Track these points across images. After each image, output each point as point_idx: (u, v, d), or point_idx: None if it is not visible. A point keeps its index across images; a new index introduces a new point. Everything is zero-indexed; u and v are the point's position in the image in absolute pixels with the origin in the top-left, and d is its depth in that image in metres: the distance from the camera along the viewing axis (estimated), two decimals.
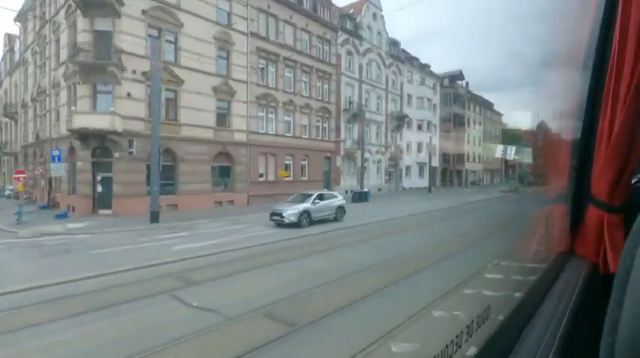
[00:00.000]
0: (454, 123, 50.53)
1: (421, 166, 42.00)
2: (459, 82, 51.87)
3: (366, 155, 32.79)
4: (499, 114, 69.87)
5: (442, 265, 7.89)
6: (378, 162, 34.73)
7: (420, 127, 40.90)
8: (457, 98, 50.73)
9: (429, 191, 36.74)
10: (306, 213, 14.28)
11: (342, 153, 30.24)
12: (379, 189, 34.37)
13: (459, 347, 1.10)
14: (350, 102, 31.02)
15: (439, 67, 57.90)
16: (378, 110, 34.89)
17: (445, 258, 8.55)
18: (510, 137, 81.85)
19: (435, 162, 45.12)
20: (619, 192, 1.23)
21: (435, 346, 1.07)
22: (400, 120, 36.85)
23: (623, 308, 0.57)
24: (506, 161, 58.81)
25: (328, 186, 28.82)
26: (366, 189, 26.80)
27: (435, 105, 44.87)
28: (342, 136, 30.28)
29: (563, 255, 1.51)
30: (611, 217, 1.27)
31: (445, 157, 47.12)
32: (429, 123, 42.35)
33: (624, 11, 1.09)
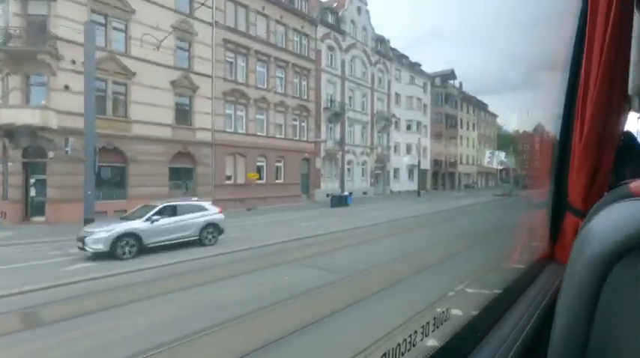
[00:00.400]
0: (446, 124, 48.77)
1: (411, 169, 40.14)
2: (451, 82, 50.20)
3: (350, 156, 30.94)
4: (494, 116, 68.31)
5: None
6: (363, 164, 32.87)
7: (409, 128, 39.09)
8: (449, 98, 49.01)
9: (418, 194, 34.86)
10: (129, 236, 9.53)
11: (322, 154, 28.37)
12: (364, 193, 32.47)
13: (426, 335, 1.11)
14: (331, 101, 29.21)
15: (433, 68, 56.38)
16: (363, 109, 33.09)
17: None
18: (507, 140, 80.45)
19: (426, 165, 43.30)
20: (592, 198, 1.23)
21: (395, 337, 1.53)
22: (387, 120, 35.03)
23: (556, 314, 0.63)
24: (501, 164, 57.18)
25: (307, 189, 26.94)
26: (347, 193, 24.91)
27: (425, 106, 43.11)
28: (323, 136, 28.42)
29: (543, 260, 1.55)
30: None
31: (437, 159, 45.27)
32: (418, 123, 40.56)
33: (592, 16, 1.14)
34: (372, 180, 33.34)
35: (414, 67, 41.45)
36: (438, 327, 1.22)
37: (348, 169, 30.93)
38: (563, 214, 1.39)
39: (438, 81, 47.60)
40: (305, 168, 27.14)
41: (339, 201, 23.95)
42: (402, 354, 1.04)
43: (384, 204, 25.86)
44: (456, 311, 1.32)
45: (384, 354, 1.01)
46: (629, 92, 1.00)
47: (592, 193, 1.21)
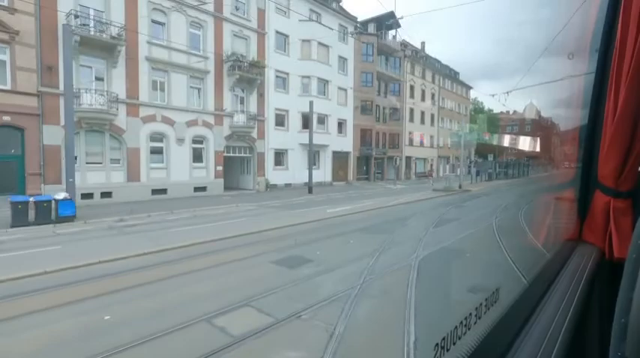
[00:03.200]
0: (382, 90, 35.67)
1: (315, 151, 27.40)
2: (393, 33, 36.88)
3: (159, 126, 18.09)
4: (467, 87, 55.05)
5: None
6: (196, 142, 20.01)
7: (306, 89, 26.07)
8: (389, 55, 35.79)
9: (309, 191, 22.23)
10: None
11: (62, 121, 15.47)
12: (201, 188, 19.79)
13: (468, 328, 1.08)
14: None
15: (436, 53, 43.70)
16: (199, 48, 20.06)
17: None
18: (487, 120, 67.22)
19: (345, 145, 30.46)
20: (625, 177, 1.23)
21: (443, 328, 1.00)
22: (252, 73, 22.01)
23: (635, 291, 0.58)
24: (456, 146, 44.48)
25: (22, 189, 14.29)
26: (60, 196, 12.14)
27: (344, 60, 29.99)
28: (61, 86, 15.48)
29: (571, 241, 1.52)
30: (617, 202, 1.28)
31: (365, 138, 32.42)
32: (326, 83, 27.51)
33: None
34: (219, 169, 20.56)
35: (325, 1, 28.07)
36: (489, 309, 1.17)
37: (156, 151, 18.17)
38: (593, 193, 1.41)
39: (372, 28, 34.27)
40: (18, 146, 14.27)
41: (43, 211, 11.43)
42: (459, 338, 1.01)
43: (199, 213, 13.23)
44: (503, 294, 1.24)
45: (443, 338, 0.99)
46: None
47: (624, 172, 1.19)
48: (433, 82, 44.46)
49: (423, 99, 42.33)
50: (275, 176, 24.26)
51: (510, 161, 51.19)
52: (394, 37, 36.00)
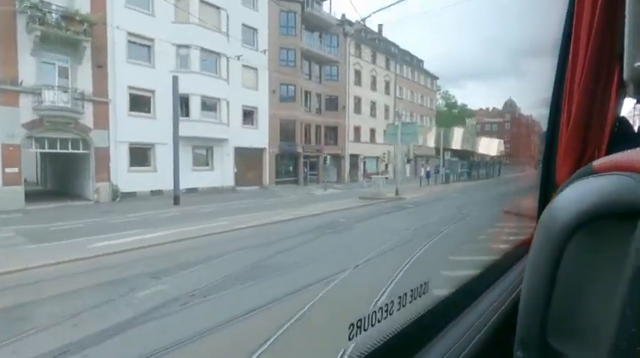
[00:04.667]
0: (315, 74, 29.30)
1: (203, 147, 20.80)
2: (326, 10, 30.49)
3: None
4: (432, 78, 49.08)
5: None
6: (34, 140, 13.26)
7: (184, 63, 19.45)
8: (323, 31, 29.42)
9: (175, 202, 15.67)
10: None
11: None
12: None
13: (390, 314, 1.08)
14: None
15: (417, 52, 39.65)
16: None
17: None
18: (459, 116, 61.44)
19: (256, 140, 23.95)
20: None
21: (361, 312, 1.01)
22: (70, 31, 15.34)
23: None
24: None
25: None
26: None
27: (255, 32, 23.45)
28: None
29: (527, 244, 1.47)
30: None
31: (288, 132, 25.91)
32: (217, 58, 20.86)
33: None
34: (12, 171, 13.78)
35: None
36: (415, 299, 1.18)
37: None
38: (550, 196, 1.32)
39: None
40: None
41: None
42: (379, 321, 1.04)
43: None
44: (433, 286, 1.24)
45: (360, 319, 1.00)
46: (624, 78, 0.97)
47: None
48: (387, 68, 38.27)
49: (373, 87, 36.09)
50: (133, 180, 17.54)
51: (479, 161, 45.44)
52: (330, 15, 29.61)
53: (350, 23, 31.97)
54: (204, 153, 21.01)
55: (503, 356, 0.78)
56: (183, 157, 18.80)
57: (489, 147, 55.32)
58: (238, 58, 20.48)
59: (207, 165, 21.24)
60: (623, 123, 1.23)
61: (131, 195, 17.38)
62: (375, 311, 1.04)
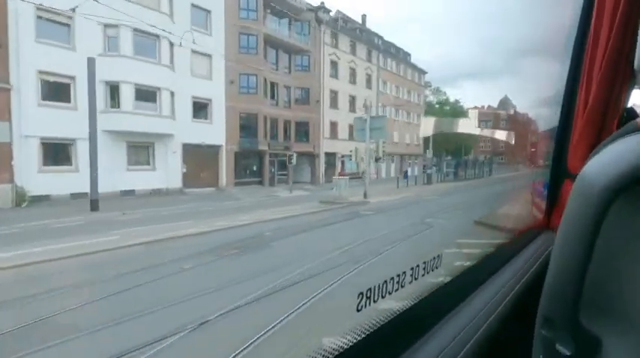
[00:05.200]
0: (284, 64, 26.71)
1: (141, 143, 18.16)
2: None
3: None
4: (420, 72, 46.47)
5: None
6: None
7: (113, 46, 16.79)
8: (293, 18, 26.77)
9: (93, 207, 13.10)
10: None
11: None
12: None
13: (402, 286, 1.06)
14: None
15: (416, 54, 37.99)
16: None
17: None
18: (450, 113, 58.95)
19: (210, 135, 21.35)
20: None
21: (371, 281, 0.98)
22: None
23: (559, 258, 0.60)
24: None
25: None
26: None
27: (208, 14, 20.83)
28: None
29: (537, 229, 1.59)
30: None
31: (250, 127, 23.28)
32: (156, 40, 18.18)
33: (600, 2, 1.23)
34: None
35: None
36: (428, 273, 1.15)
37: None
38: (562, 182, 1.49)
39: None
40: None
41: None
42: (390, 292, 1.02)
43: None
44: (445, 264, 1.20)
45: (369, 289, 0.97)
46: (635, 67, 0.99)
47: None
48: (369, 60, 35.66)
49: (352, 80, 33.49)
50: (47, 182, 14.91)
51: (467, 159, 43.00)
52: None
53: (325, 10, 29.34)
54: (143, 150, 18.36)
55: (521, 333, 0.76)
56: (114, 155, 16.19)
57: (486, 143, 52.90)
58: (181, 44, 17.79)
59: (148, 164, 18.60)
60: (631, 112, 1.26)
61: (44, 198, 14.75)
62: (386, 281, 1.00)
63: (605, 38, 1.17)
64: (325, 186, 28.14)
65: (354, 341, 0.82)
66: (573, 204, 0.52)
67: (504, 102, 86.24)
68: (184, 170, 20.07)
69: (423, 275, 1.12)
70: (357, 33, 34.70)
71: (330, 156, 31.30)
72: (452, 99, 61.70)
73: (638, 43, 0.91)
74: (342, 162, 33.35)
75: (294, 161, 23.10)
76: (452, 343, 0.85)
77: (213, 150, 21.67)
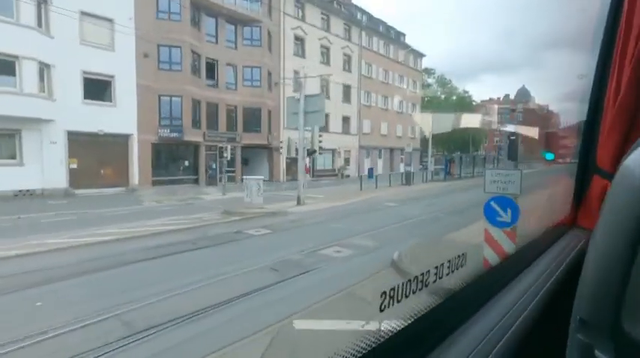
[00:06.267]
0: (226, 36, 21.98)
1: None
2: None
3: None
4: (416, 55, 40.72)
5: None
6: None
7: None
8: None
9: None
10: None
11: None
12: None
13: (426, 285, 1.04)
14: None
15: (430, 49, 33.96)
16: None
17: None
18: (454, 105, 52.82)
19: (115, 122, 16.91)
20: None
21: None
22: None
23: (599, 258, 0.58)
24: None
25: None
26: None
27: None
28: None
29: (564, 226, 1.54)
30: None
31: (171, 112, 18.70)
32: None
33: None
34: None
35: None
36: (453, 272, 1.11)
37: None
38: (590, 178, 1.43)
39: None
40: None
41: None
42: (414, 292, 1.00)
43: None
44: (470, 261, 1.16)
45: (393, 288, 0.95)
46: None
47: (624, 154, 1.09)
48: (348, 38, 30.47)
49: (325, 61, 28.43)
50: None
51: (462, 156, 37.23)
52: None
53: None
54: (2, 139, 14.03)
55: (553, 335, 0.72)
56: None
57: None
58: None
59: (14, 157, 14.27)
60: None
61: None
62: (409, 280, 0.98)
63: (639, 27, 1.14)
64: (286, 185, 23.42)
65: (379, 341, 0.78)
66: (613, 201, 0.50)
67: (522, 94, 79.01)
68: (73, 166, 15.69)
69: (447, 274, 1.08)
70: (334, 5, 29.56)
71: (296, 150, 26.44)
72: (460, 90, 55.57)
73: None
74: (312, 158, 28.44)
75: (228, 155, 18.38)
76: (480, 344, 0.82)
77: (120, 141, 17.20)
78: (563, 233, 1.45)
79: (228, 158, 18.50)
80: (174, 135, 18.55)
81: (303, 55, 26.30)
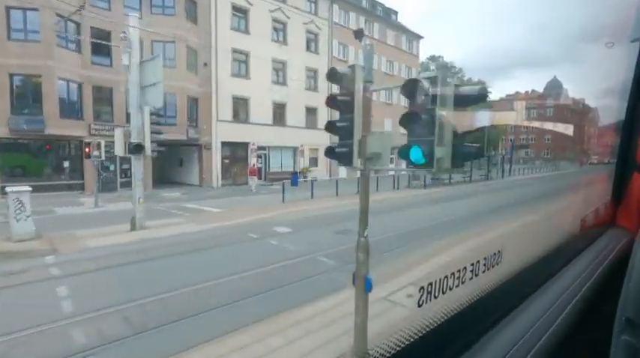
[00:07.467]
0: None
1: None
2: None
3: None
4: (411, 37, 34.51)
5: None
6: None
7: None
8: None
9: None
10: None
11: None
12: None
13: (462, 282, 1.02)
14: None
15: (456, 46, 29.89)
16: None
17: None
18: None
19: None
20: None
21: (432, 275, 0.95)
22: None
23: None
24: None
25: None
26: None
27: None
28: None
29: (603, 225, 1.49)
30: None
31: (28, 98, 14.19)
32: None
33: None
34: None
35: None
36: (488, 269, 1.08)
37: None
38: (630, 176, 1.38)
39: None
40: None
41: None
42: (450, 288, 0.98)
43: None
44: (507, 259, 1.14)
45: (430, 283, 0.94)
46: None
47: None
48: (314, 12, 25.02)
49: (280, 39, 23.17)
50: None
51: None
52: None
53: None
54: None
55: (594, 335, 0.68)
56: None
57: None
58: None
59: None
60: None
61: None
62: (447, 277, 0.95)
63: None
64: (217, 192, 18.63)
65: (418, 335, 0.79)
66: None
67: (552, 86, 70.18)
68: None
69: (483, 271, 1.06)
70: None
71: (237, 148, 21.46)
72: (466, 78, 48.64)
73: None
74: (265, 157, 23.31)
75: (102, 154, 13.61)
76: (518, 343, 0.80)
77: None
78: (602, 232, 1.42)
79: (102, 157, 13.73)
80: (33, 127, 14.01)
81: (247, 31, 21.23)
